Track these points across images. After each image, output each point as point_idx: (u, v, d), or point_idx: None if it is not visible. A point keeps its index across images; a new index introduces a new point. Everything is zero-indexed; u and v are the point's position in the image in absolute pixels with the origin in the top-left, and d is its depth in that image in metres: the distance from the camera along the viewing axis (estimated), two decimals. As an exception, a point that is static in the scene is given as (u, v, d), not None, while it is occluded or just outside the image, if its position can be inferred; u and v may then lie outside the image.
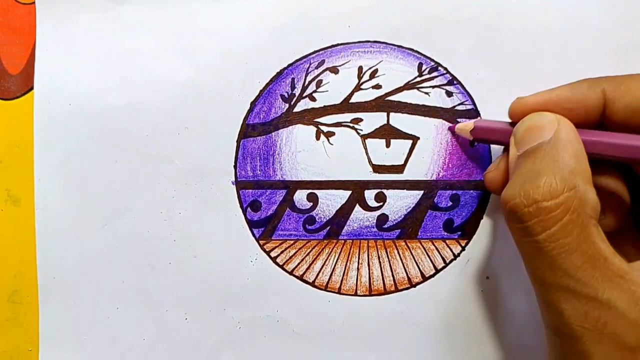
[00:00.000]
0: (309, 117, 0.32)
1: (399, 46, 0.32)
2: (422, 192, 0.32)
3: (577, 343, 0.22)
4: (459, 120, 0.32)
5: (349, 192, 0.32)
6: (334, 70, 0.32)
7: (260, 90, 0.32)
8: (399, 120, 0.32)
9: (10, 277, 0.32)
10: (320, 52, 0.32)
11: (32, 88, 0.32)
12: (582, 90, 0.26)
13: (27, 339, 0.32)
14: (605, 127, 0.26)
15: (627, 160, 0.25)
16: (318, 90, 0.32)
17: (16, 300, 0.32)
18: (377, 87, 0.32)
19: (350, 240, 0.32)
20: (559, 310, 0.22)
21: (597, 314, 0.21)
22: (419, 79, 0.32)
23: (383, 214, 0.32)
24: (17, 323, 0.32)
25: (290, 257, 0.32)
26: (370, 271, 0.32)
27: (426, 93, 0.32)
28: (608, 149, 0.25)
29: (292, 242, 0.32)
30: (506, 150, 0.29)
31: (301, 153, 0.32)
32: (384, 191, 0.32)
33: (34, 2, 0.32)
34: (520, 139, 0.26)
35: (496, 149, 0.31)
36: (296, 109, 0.32)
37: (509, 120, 0.28)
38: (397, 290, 0.32)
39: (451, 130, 0.31)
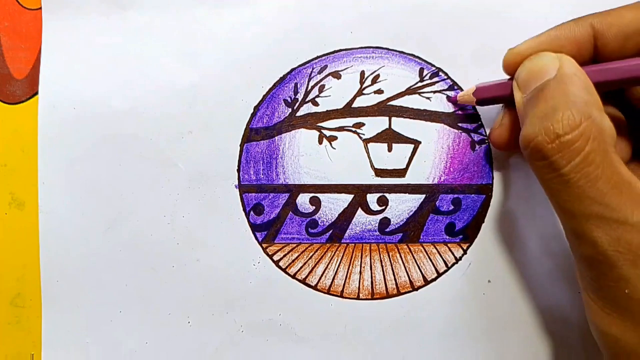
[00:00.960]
0: (312, 121, 0.32)
1: (400, 52, 0.32)
2: (423, 196, 0.32)
3: (613, 269, 0.22)
4: (460, 125, 0.32)
5: (351, 196, 0.32)
6: (337, 75, 0.32)
7: (264, 95, 0.32)
8: (401, 125, 0.32)
9: (13, 280, 0.32)
10: (323, 57, 0.32)
11: (37, 92, 0.32)
12: (571, 29, 0.26)
13: (30, 343, 0.32)
14: (600, 62, 0.26)
15: (624, 83, 0.25)
16: (321, 95, 0.32)
17: (19, 304, 0.32)
18: (379, 92, 0.32)
19: (353, 244, 0.32)
20: (592, 239, 0.22)
21: (630, 237, 0.22)
22: (420, 84, 0.32)
23: (385, 217, 0.32)
24: (19, 327, 0.32)
25: (293, 261, 0.32)
26: (373, 275, 0.32)
27: (427, 98, 0.32)
28: (606, 74, 0.25)
29: (294, 245, 0.32)
30: (507, 106, 0.29)
31: (304, 157, 0.32)
32: (386, 195, 0.32)
33: (40, 8, 0.32)
34: (524, 81, 0.26)
35: (498, 156, 0.32)
36: (299, 114, 0.32)
37: (507, 77, 0.29)
38: (399, 293, 0.32)
39: (453, 101, 0.32)
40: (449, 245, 0.32)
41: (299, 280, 0.32)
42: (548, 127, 0.23)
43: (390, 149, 0.32)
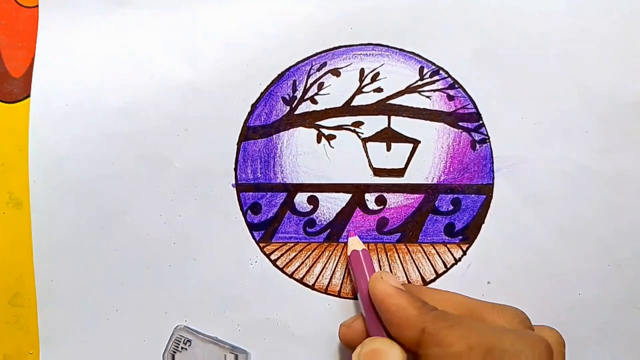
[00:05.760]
0: (310, 119, 0.32)
1: (400, 49, 0.32)
2: (422, 195, 0.31)
3: None
4: (460, 124, 0.31)
5: (349, 196, 0.32)
6: (336, 72, 0.32)
7: (261, 93, 0.32)
8: (400, 124, 0.32)
9: (12, 280, 0.32)
10: (322, 54, 0.32)
11: (34, 91, 0.32)
12: (411, 314, 0.25)
13: (28, 342, 0.32)
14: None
15: None
16: (319, 92, 0.32)
17: (17, 303, 0.32)
18: (379, 90, 0.32)
19: (351, 244, 0.32)
20: None
21: None
22: (420, 82, 0.32)
23: (383, 217, 0.32)
24: (17, 326, 0.32)
25: (290, 260, 0.32)
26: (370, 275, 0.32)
27: (427, 97, 0.32)
28: None
29: (292, 244, 0.32)
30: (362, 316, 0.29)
31: (302, 156, 0.32)
32: (385, 194, 0.32)
33: (37, 5, 0.32)
34: (363, 357, 0.26)
35: (499, 156, 0.31)
36: (297, 112, 0.32)
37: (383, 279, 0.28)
38: (397, 294, 0.31)
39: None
40: (448, 246, 0.31)
41: (296, 280, 0.32)
42: None
43: (389, 148, 0.32)
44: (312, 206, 0.32)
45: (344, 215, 0.32)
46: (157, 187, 0.32)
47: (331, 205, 0.32)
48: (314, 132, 0.32)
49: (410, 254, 0.32)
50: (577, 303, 0.31)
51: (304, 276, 0.32)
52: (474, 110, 0.31)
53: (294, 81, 0.32)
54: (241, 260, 0.32)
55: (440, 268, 0.31)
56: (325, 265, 0.32)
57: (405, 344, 0.25)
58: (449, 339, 0.24)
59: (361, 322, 0.29)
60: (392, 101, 0.32)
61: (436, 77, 0.32)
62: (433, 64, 0.32)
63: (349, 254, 0.30)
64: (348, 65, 0.32)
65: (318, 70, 0.32)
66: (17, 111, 0.32)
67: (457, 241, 0.31)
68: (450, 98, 0.31)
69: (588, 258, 0.31)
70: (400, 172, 0.32)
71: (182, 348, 0.31)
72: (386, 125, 0.32)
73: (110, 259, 0.32)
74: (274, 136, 0.32)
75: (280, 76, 0.32)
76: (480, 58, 0.31)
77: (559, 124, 0.31)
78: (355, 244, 0.30)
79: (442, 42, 0.31)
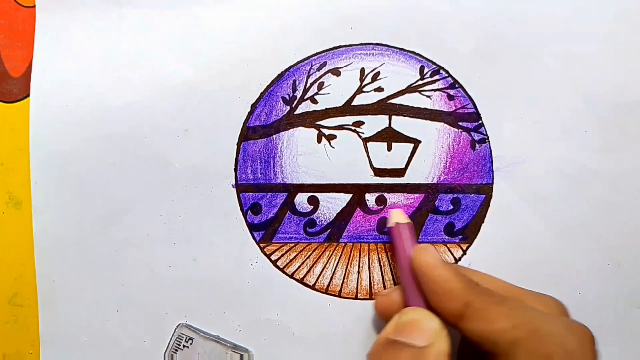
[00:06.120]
0: (311, 120, 0.32)
1: (401, 49, 0.32)
2: (423, 195, 0.31)
3: None
4: (460, 124, 0.31)
5: (350, 196, 0.32)
6: (336, 72, 0.32)
7: (261, 93, 0.32)
8: (401, 124, 0.32)
9: (12, 279, 0.32)
10: (323, 54, 0.32)
11: (33, 91, 0.32)
12: (456, 286, 0.25)
13: (28, 342, 0.32)
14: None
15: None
16: (320, 92, 0.32)
17: (17, 303, 0.32)
18: (380, 90, 0.32)
19: (351, 244, 0.32)
20: None
21: None
22: (421, 82, 0.32)
23: (384, 217, 0.32)
24: (17, 326, 0.32)
25: (291, 261, 0.32)
26: (371, 275, 0.32)
27: (428, 97, 0.32)
28: None
29: (292, 245, 0.32)
30: (401, 288, 0.29)
31: (302, 156, 0.32)
32: (385, 195, 0.32)
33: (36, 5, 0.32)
34: (401, 326, 0.26)
35: (498, 156, 0.31)
36: (297, 112, 0.32)
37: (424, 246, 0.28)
38: (398, 294, 0.32)
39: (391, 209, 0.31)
40: (448, 245, 0.31)
41: (297, 280, 0.32)
42: None
43: (390, 149, 0.32)
44: (312, 207, 0.32)
45: (344, 216, 0.32)
46: (158, 187, 0.32)
47: (332, 205, 0.32)
48: (315, 132, 0.32)
49: (411, 254, 0.32)
50: (577, 303, 0.31)
51: (304, 277, 0.32)
52: (473, 110, 0.31)
53: (294, 81, 0.32)
54: (242, 261, 0.32)
55: (441, 268, 0.31)
56: (326, 265, 0.32)
57: (446, 316, 0.25)
58: (493, 315, 0.24)
59: (399, 293, 0.29)
60: (393, 101, 0.32)
61: (437, 77, 0.32)
62: (434, 63, 0.32)
63: (390, 226, 0.30)
64: (348, 65, 0.32)
65: (318, 70, 0.32)
66: (17, 111, 0.32)
67: (457, 241, 0.31)
68: (451, 98, 0.31)
69: (588, 258, 0.31)
70: (401, 172, 0.32)
71: (184, 346, 0.31)
72: (387, 125, 0.32)
73: (110, 259, 0.32)
74: (274, 136, 0.32)
75: (280, 76, 0.32)
76: (480, 58, 0.31)
77: (558, 124, 0.31)
78: (398, 216, 0.30)
79: (442, 42, 0.31)
